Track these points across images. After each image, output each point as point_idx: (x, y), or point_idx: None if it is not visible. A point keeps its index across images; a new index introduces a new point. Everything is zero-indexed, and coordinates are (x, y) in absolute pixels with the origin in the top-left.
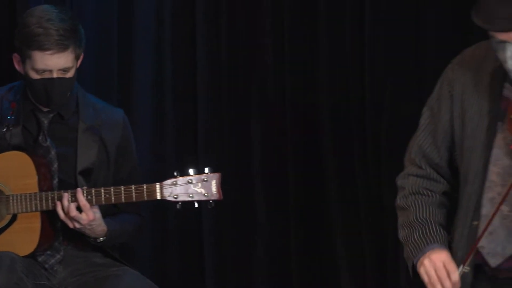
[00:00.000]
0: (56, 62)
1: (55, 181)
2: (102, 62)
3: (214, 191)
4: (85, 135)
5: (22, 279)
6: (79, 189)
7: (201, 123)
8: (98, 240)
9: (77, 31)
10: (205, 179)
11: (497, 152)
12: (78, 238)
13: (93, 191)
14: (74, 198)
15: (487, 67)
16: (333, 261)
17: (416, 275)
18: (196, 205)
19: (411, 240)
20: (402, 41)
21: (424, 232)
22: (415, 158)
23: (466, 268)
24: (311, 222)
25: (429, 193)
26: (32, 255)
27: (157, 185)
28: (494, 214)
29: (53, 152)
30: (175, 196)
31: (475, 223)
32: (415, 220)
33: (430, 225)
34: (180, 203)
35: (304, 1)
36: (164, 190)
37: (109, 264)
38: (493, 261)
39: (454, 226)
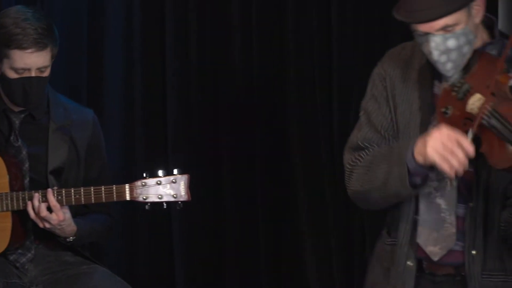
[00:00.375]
0: (35, 61)
1: (26, 180)
2: (72, 62)
3: (183, 192)
4: (55, 135)
5: None
6: (49, 190)
7: (170, 123)
8: (67, 239)
9: (53, 30)
10: (174, 180)
11: None
12: (49, 237)
13: (63, 191)
14: (44, 199)
15: (414, 64)
16: (301, 258)
17: (415, 186)
18: (165, 206)
19: (394, 152)
20: (369, 42)
21: (401, 144)
22: (361, 143)
23: (470, 133)
24: (280, 220)
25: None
26: (3, 254)
27: (127, 186)
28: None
29: (24, 152)
30: (144, 197)
31: (416, 217)
32: (387, 148)
33: (404, 141)
34: (149, 204)
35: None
36: (134, 191)
37: (79, 263)
38: (435, 255)
39: (395, 225)
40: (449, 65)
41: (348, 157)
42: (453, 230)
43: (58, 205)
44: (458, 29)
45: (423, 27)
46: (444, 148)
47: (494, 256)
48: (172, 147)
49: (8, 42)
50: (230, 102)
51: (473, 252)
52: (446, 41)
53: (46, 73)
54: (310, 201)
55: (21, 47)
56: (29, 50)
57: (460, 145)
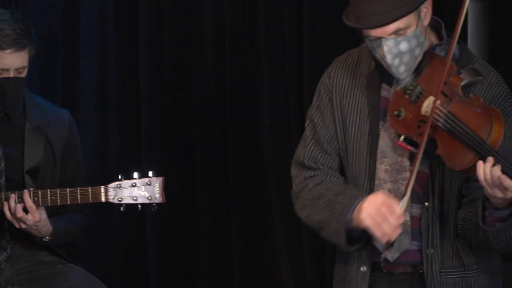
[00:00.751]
0: (14, 61)
1: (2, 180)
2: (47, 63)
3: (157, 194)
4: (31, 135)
5: None
6: (25, 191)
7: (144, 124)
8: (43, 239)
9: (31, 31)
10: (148, 183)
11: (383, 149)
12: (25, 237)
13: (39, 192)
14: (21, 199)
15: (363, 70)
16: (274, 259)
17: (351, 242)
18: (140, 208)
19: (337, 207)
20: (339, 43)
21: (348, 194)
22: (308, 163)
23: (404, 202)
24: (253, 220)
25: (333, 178)
26: None
27: (102, 187)
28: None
29: (0, 152)
30: (119, 199)
31: None
32: (332, 194)
33: (349, 188)
34: (124, 205)
35: (244, 6)
36: (109, 193)
37: (55, 262)
38: (390, 256)
39: None
40: (402, 68)
41: (295, 173)
42: (408, 230)
43: (34, 206)
44: (409, 32)
45: (375, 32)
46: (377, 214)
47: (451, 253)
48: (146, 147)
49: None
50: (203, 103)
51: (431, 250)
52: (399, 45)
53: (23, 74)
54: (282, 201)
55: (0, 48)
56: (8, 51)
57: (393, 213)
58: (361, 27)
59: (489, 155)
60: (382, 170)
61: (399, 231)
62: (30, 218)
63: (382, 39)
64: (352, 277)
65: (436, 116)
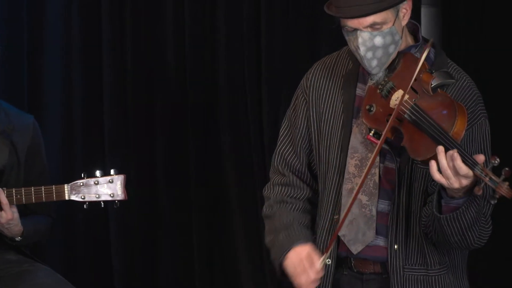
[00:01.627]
0: None
1: None
2: (12, 67)
3: (119, 191)
4: None
5: None
6: (0, 189)
7: (107, 125)
8: (15, 239)
9: None
10: (110, 181)
11: (354, 144)
12: None
13: (5, 191)
14: None
15: (340, 71)
16: (234, 259)
17: (284, 275)
18: (103, 205)
19: (277, 242)
20: (297, 49)
21: (289, 233)
22: (278, 167)
23: (328, 260)
24: (213, 221)
25: (293, 200)
26: None
27: (66, 186)
28: (351, 203)
29: None
30: (83, 197)
31: (336, 217)
32: (280, 225)
33: (293, 227)
34: (87, 203)
35: (204, 11)
36: (72, 191)
37: (21, 261)
38: (354, 248)
39: (317, 223)
40: (374, 62)
41: (272, 166)
42: (374, 224)
43: (8, 203)
44: (385, 28)
45: (352, 23)
46: (298, 265)
47: (416, 251)
48: (108, 148)
49: None
50: (164, 104)
51: (395, 246)
52: (373, 38)
53: None
54: (241, 202)
55: None
56: None
57: (312, 267)
58: (339, 15)
59: (450, 146)
60: (352, 164)
61: (315, 284)
62: (3, 216)
63: (358, 31)
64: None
65: (403, 108)
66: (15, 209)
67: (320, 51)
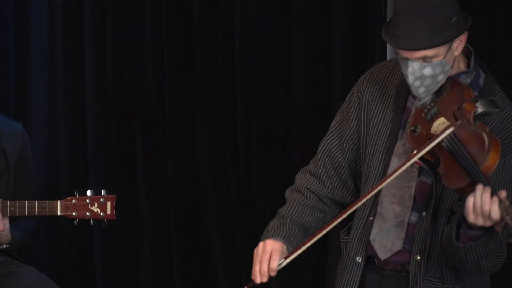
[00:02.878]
0: None
1: None
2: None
3: (109, 211)
4: None
5: None
6: None
7: (90, 136)
8: (2, 247)
9: None
10: (101, 200)
11: (395, 158)
12: None
13: None
14: None
15: (394, 80)
16: (211, 260)
17: None
18: (92, 223)
19: (268, 227)
20: (270, 55)
21: (279, 224)
22: (318, 155)
23: (284, 263)
24: (191, 225)
25: (310, 194)
26: None
27: (58, 202)
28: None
29: None
30: (74, 214)
31: (371, 218)
32: (281, 212)
33: (286, 221)
34: (77, 220)
35: (180, 18)
36: (64, 208)
37: (8, 262)
38: (382, 255)
39: (353, 220)
40: (421, 90)
41: (312, 160)
42: (403, 235)
43: (1, 215)
44: (436, 60)
45: (404, 53)
46: (259, 254)
47: (436, 264)
48: (91, 157)
49: None
50: (144, 115)
51: (418, 257)
52: (423, 69)
53: None
54: (217, 205)
55: None
56: None
57: (269, 264)
58: (392, 45)
59: (479, 180)
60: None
61: (263, 278)
62: None
63: (409, 61)
64: (348, 265)
65: (444, 140)
66: (6, 221)
67: (290, 74)
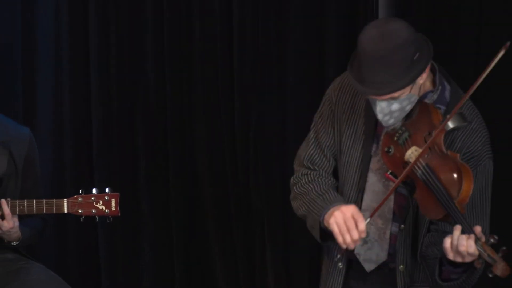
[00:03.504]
0: None
1: None
2: (7, 84)
3: (113, 208)
4: None
5: None
6: (3, 200)
7: (94, 138)
8: (12, 243)
9: None
10: (106, 198)
11: (372, 174)
12: None
13: (9, 202)
14: None
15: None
16: (210, 261)
17: (324, 238)
18: (97, 220)
19: (314, 209)
20: (267, 57)
21: (326, 198)
22: (307, 163)
23: (372, 222)
24: (191, 227)
25: (323, 179)
26: None
27: (65, 200)
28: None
29: None
30: (80, 211)
31: None
32: (315, 193)
33: (330, 193)
34: (83, 217)
35: (181, 26)
36: (71, 205)
37: (17, 259)
38: (368, 267)
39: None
40: (391, 121)
41: (295, 167)
42: (386, 246)
43: (10, 214)
44: (403, 97)
45: (371, 96)
46: (344, 224)
47: (419, 270)
48: (95, 158)
49: None
50: (145, 117)
51: (401, 267)
52: (391, 106)
53: None
54: (216, 204)
55: None
56: None
57: (357, 227)
58: (359, 89)
59: (454, 215)
60: (370, 191)
61: (358, 243)
62: (5, 225)
63: (376, 100)
64: (331, 268)
65: (416, 167)
66: (16, 219)
67: (285, 76)
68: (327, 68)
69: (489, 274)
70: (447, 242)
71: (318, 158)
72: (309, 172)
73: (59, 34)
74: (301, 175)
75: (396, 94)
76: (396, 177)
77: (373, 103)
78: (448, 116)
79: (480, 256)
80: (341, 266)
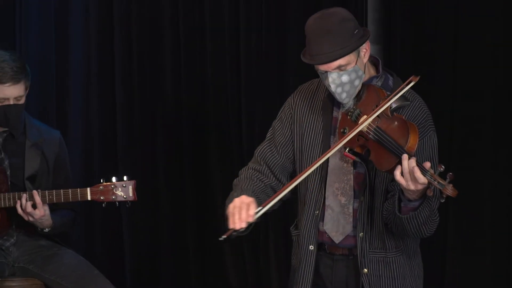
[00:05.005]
0: (12, 92)
1: (8, 184)
2: (43, 92)
3: (130, 194)
4: (30, 150)
5: None
6: (35, 191)
7: (119, 139)
8: (44, 230)
9: (26, 68)
10: (124, 185)
11: (332, 159)
12: (28, 226)
13: (40, 192)
14: (31, 198)
15: (319, 96)
16: (221, 259)
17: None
18: (117, 205)
19: (230, 197)
20: (268, 65)
21: (241, 192)
22: (258, 157)
23: (311, 247)
24: (203, 218)
25: (258, 182)
26: None
27: (88, 189)
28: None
29: (6, 162)
30: (102, 198)
31: (317, 212)
32: (240, 189)
33: (248, 191)
34: (105, 203)
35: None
36: (93, 193)
37: (51, 245)
38: (336, 239)
39: (299, 219)
40: (344, 95)
41: (250, 162)
42: (350, 219)
43: (41, 203)
44: (350, 67)
45: (322, 67)
46: (237, 207)
47: (377, 238)
48: (120, 157)
49: None
50: (164, 124)
51: (361, 234)
52: (341, 77)
53: (22, 101)
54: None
55: (0, 82)
56: (7, 84)
57: (247, 210)
58: (311, 63)
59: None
60: (332, 173)
61: (242, 224)
62: (37, 213)
63: (328, 72)
64: (303, 254)
65: (368, 130)
66: (46, 207)
67: (287, 85)
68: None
69: (441, 200)
70: (398, 170)
71: (270, 154)
72: (255, 166)
73: (89, 52)
74: (248, 168)
75: (343, 62)
76: (354, 153)
77: (325, 77)
78: (393, 92)
79: (430, 184)
80: (311, 248)
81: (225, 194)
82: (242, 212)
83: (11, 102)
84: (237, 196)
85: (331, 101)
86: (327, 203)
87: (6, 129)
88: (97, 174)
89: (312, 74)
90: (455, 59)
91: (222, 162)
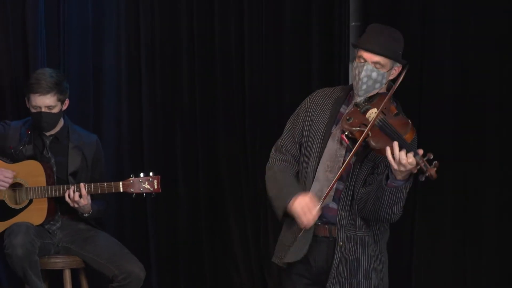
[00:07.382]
0: (42, 101)
1: (55, 178)
2: (82, 103)
3: (156, 186)
4: (73, 151)
5: (33, 239)
6: (82, 184)
7: (145, 143)
8: (84, 215)
9: (62, 84)
10: (150, 179)
11: (330, 141)
12: (70, 213)
13: (85, 186)
14: (78, 189)
15: (332, 96)
16: (232, 257)
17: (284, 217)
18: (144, 196)
19: (282, 195)
20: (268, 69)
21: (289, 189)
22: (281, 148)
23: (320, 205)
24: (215, 204)
25: (290, 171)
26: (41, 224)
27: (120, 182)
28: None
29: (53, 160)
30: (131, 190)
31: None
32: (284, 183)
33: (294, 185)
34: (134, 194)
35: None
36: (125, 186)
37: (89, 229)
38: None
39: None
40: (364, 87)
41: (272, 153)
42: (332, 193)
43: (86, 194)
44: (382, 70)
45: (366, 55)
46: (304, 207)
47: (353, 218)
48: (146, 157)
49: (28, 89)
50: (181, 123)
51: (342, 213)
52: (372, 72)
53: (54, 110)
54: (233, 199)
55: (33, 92)
56: (37, 94)
57: (313, 210)
58: (364, 47)
59: (403, 143)
60: (327, 153)
61: (314, 221)
62: (82, 201)
63: (366, 63)
64: (298, 237)
65: (376, 120)
66: (89, 197)
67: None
68: (312, 75)
69: (421, 179)
70: (388, 152)
71: (290, 144)
72: (282, 157)
73: (119, 65)
74: (275, 161)
75: (382, 62)
76: (349, 138)
77: (361, 66)
78: (391, 91)
79: (417, 164)
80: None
81: (232, 184)
82: (310, 212)
83: (43, 110)
84: (290, 192)
85: (342, 100)
86: (316, 175)
87: (53, 133)
88: (127, 170)
89: (313, 76)
90: (422, 54)
91: (230, 160)
